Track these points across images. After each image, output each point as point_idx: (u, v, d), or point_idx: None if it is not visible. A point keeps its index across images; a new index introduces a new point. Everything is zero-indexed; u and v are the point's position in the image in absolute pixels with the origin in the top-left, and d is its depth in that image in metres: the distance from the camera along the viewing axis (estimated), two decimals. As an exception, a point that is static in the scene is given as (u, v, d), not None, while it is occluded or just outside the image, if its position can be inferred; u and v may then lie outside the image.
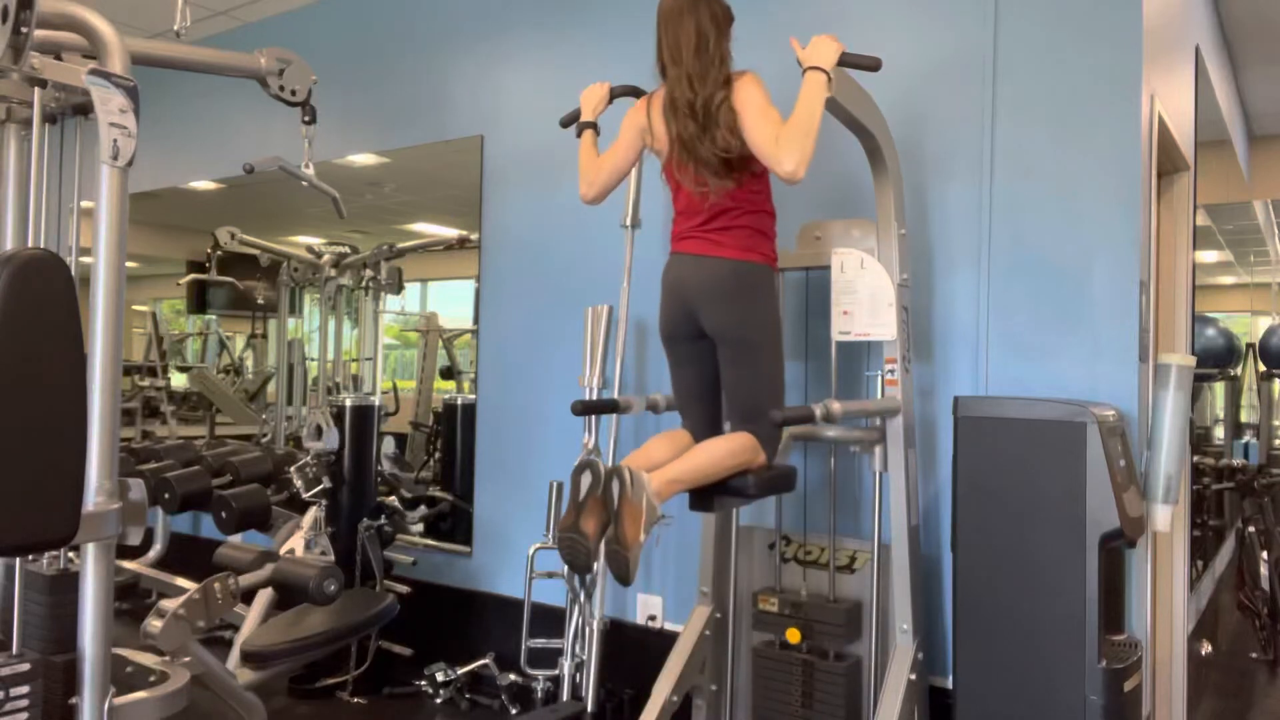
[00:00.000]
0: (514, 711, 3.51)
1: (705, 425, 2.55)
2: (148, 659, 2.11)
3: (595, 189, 2.60)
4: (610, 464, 2.23)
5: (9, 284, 1.53)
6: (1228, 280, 7.64)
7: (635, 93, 2.79)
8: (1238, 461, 4.96)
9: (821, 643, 2.88)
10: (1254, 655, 4.56)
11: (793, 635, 2.88)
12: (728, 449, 2.37)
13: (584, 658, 3.19)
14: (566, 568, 3.19)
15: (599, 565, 3.20)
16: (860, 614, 2.89)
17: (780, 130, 2.21)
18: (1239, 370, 6.10)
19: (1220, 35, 4.84)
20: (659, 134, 2.46)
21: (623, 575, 2.16)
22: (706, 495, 2.41)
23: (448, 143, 4.16)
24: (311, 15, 4.70)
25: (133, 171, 1.93)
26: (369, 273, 4.72)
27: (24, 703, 1.79)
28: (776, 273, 2.49)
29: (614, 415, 3.25)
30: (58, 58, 2.16)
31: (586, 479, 2.19)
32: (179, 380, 5.84)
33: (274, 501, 3.99)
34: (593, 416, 3.28)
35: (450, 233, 4.35)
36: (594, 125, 2.72)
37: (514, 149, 3.96)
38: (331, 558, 3.58)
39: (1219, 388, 5.89)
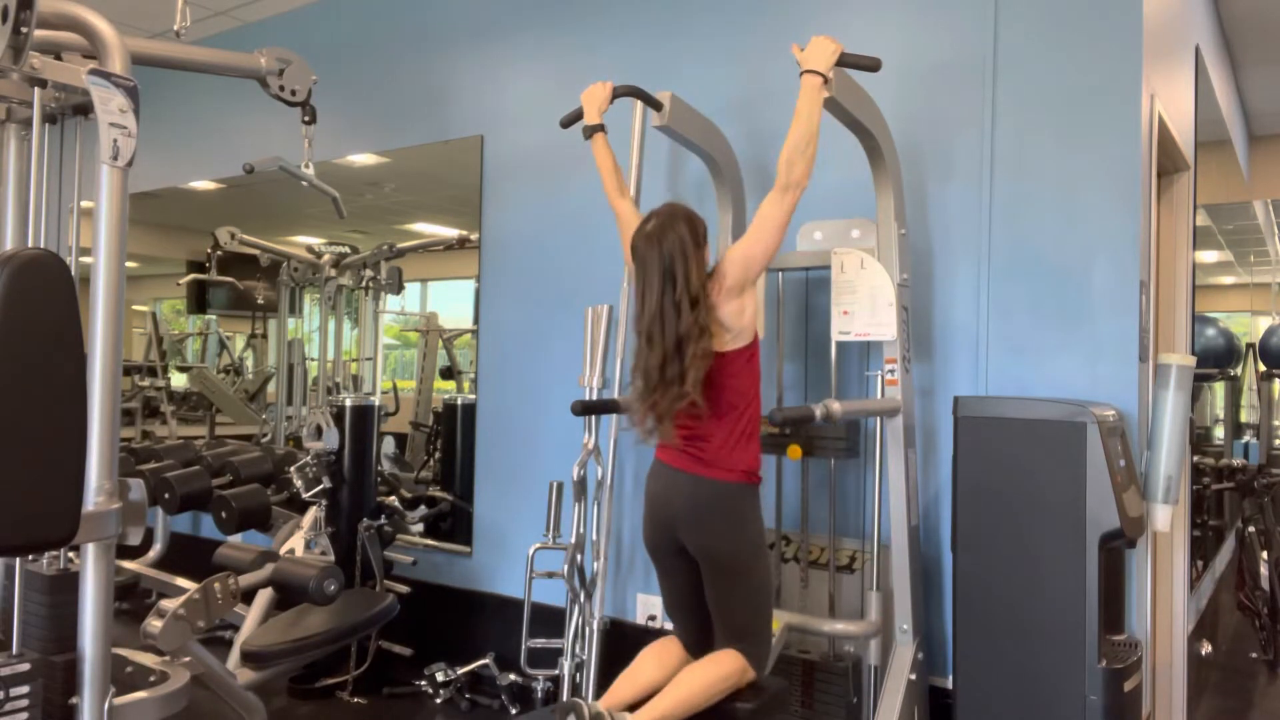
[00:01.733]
0: (514, 711, 3.51)
1: (696, 633, 2.50)
2: (148, 659, 2.11)
3: (615, 201, 2.70)
4: (594, 708, 2.21)
5: (9, 284, 1.53)
6: (1228, 280, 7.64)
7: (636, 93, 2.79)
8: (1238, 461, 4.95)
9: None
10: (1254, 655, 4.56)
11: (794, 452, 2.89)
12: (715, 676, 2.32)
13: (584, 658, 3.19)
14: (566, 566, 3.20)
15: (599, 563, 3.20)
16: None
17: (784, 154, 2.26)
18: (1239, 370, 6.10)
19: (1220, 35, 4.84)
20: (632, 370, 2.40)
21: None
22: None
23: (448, 143, 4.16)
24: (311, 15, 4.70)
25: (133, 171, 1.93)
26: (369, 273, 4.72)
27: (24, 703, 1.79)
28: (759, 487, 2.42)
29: (614, 415, 3.25)
30: (58, 58, 2.16)
31: None
32: (179, 380, 5.84)
33: (274, 501, 3.99)
34: (593, 416, 3.28)
35: (450, 233, 4.35)
36: (602, 127, 2.72)
37: (514, 149, 3.96)
38: (331, 558, 3.58)
39: (1219, 388, 5.90)
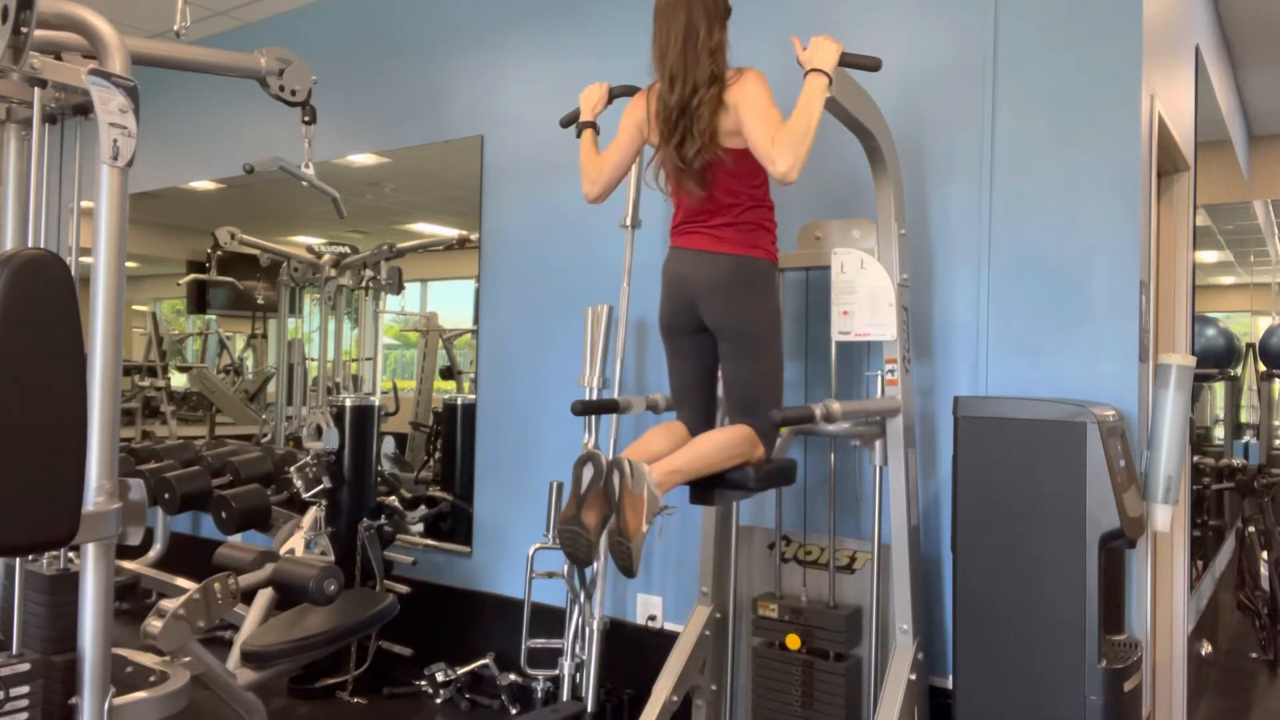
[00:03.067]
0: (514, 711, 3.51)
1: (701, 418, 2.57)
2: (148, 659, 2.11)
3: (598, 187, 2.62)
4: (611, 456, 2.23)
5: (9, 284, 1.53)
6: (1228, 280, 7.64)
7: (633, 93, 2.79)
8: (1238, 461, 4.95)
9: (822, 648, 2.88)
10: (1254, 655, 4.56)
11: (792, 641, 2.88)
12: (728, 440, 2.38)
13: (584, 658, 3.19)
14: (566, 566, 3.20)
15: (599, 563, 3.20)
16: (860, 619, 2.89)
17: (778, 132, 2.23)
18: (1239, 370, 6.10)
19: (1220, 35, 4.84)
20: (653, 129, 2.49)
21: (626, 566, 2.17)
22: (707, 488, 2.42)
23: (448, 143, 4.16)
24: (311, 15, 4.70)
25: (133, 171, 1.94)
26: (369, 273, 4.72)
27: (24, 703, 1.79)
28: (778, 268, 2.50)
29: (614, 415, 3.25)
30: (58, 58, 2.16)
31: (588, 471, 2.20)
32: (179, 380, 5.84)
33: (274, 501, 3.99)
34: (593, 416, 3.28)
35: (450, 233, 4.35)
36: (594, 125, 2.73)
37: (514, 149, 3.96)
38: (331, 558, 3.58)
39: (1219, 388, 5.89)
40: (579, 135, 2.74)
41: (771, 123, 2.26)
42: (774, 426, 2.46)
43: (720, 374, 2.53)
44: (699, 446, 2.36)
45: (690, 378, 2.57)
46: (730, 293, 2.40)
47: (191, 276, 5.54)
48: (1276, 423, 6.47)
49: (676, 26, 2.39)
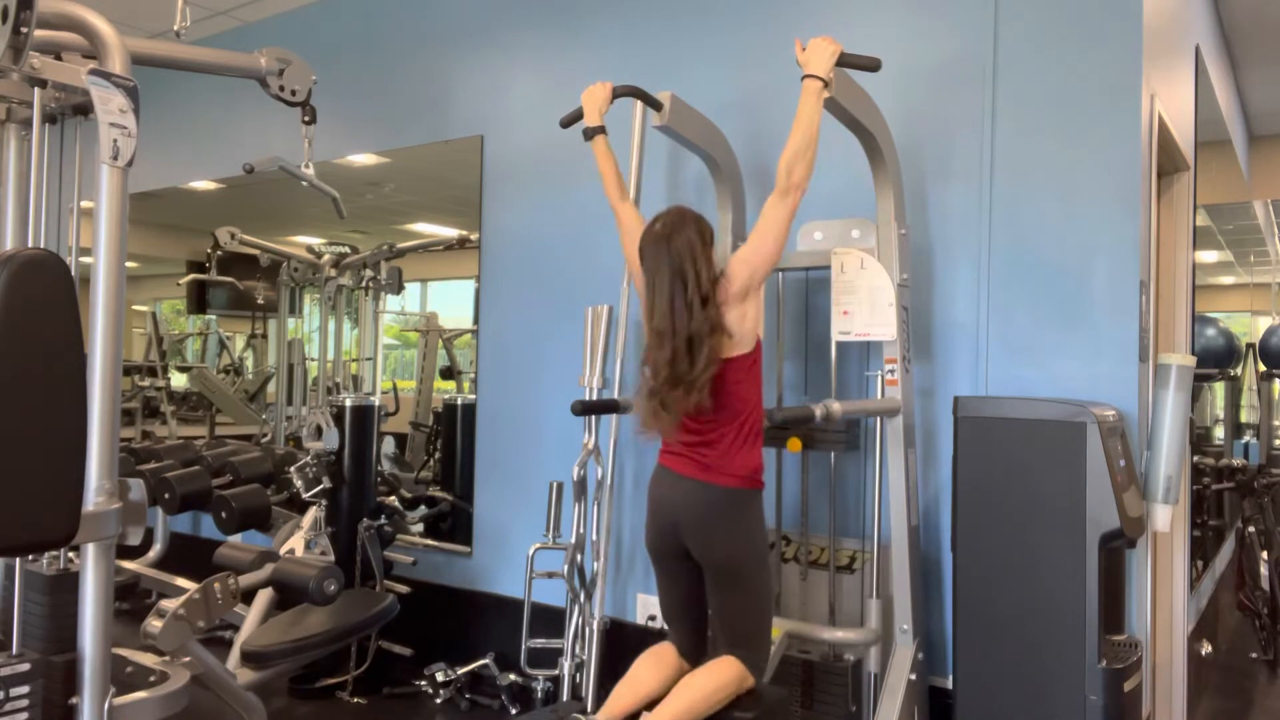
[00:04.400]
0: (514, 711, 3.51)
1: (692, 639, 2.51)
2: (148, 659, 2.11)
3: (616, 202, 2.70)
4: (591, 717, 2.22)
5: (9, 284, 1.53)
6: (1228, 280, 7.64)
7: (636, 93, 2.79)
8: (1238, 461, 4.95)
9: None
10: (1254, 655, 4.56)
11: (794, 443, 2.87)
12: (715, 684, 2.33)
13: (584, 658, 3.19)
14: (566, 566, 3.20)
15: (598, 563, 3.20)
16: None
17: (783, 159, 2.27)
18: (1239, 370, 6.10)
19: (1220, 35, 4.84)
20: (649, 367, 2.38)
21: None
22: None
23: (448, 143, 4.16)
24: (311, 15, 4.70)
25: (133, 171, 1.93)
26: (369, 273, 4.72)
27: (24, 703, 1.79)
28: (762, 493, 2.42)
29: (614, 415, 3.25)
30: (58, 58, 2.16)
31: None
32: (179, 380, 5.84)
33: (274, 501, 3.99)
34: (593, 416, 3.28)
35: (450, 233, 4.35)
36: (602, 128, 2.71)
37: (514, 149, 3.96)
38: (331, 558, 3.58)
39: (1219, 388, 5.90)
40: (587, 139, 2.73)
41: (769, 225, 2.32)
42: (763, 656, 2.43)
43: (708, 602, 2.46)
44: (686, 696, 2.31)
45: (680, 600, 2.50)
46: (715, 527, 2.34)
47: (191, 276, 5.54)
48: (1276, 423, 6.47)
49: (662, 280, 2.31)
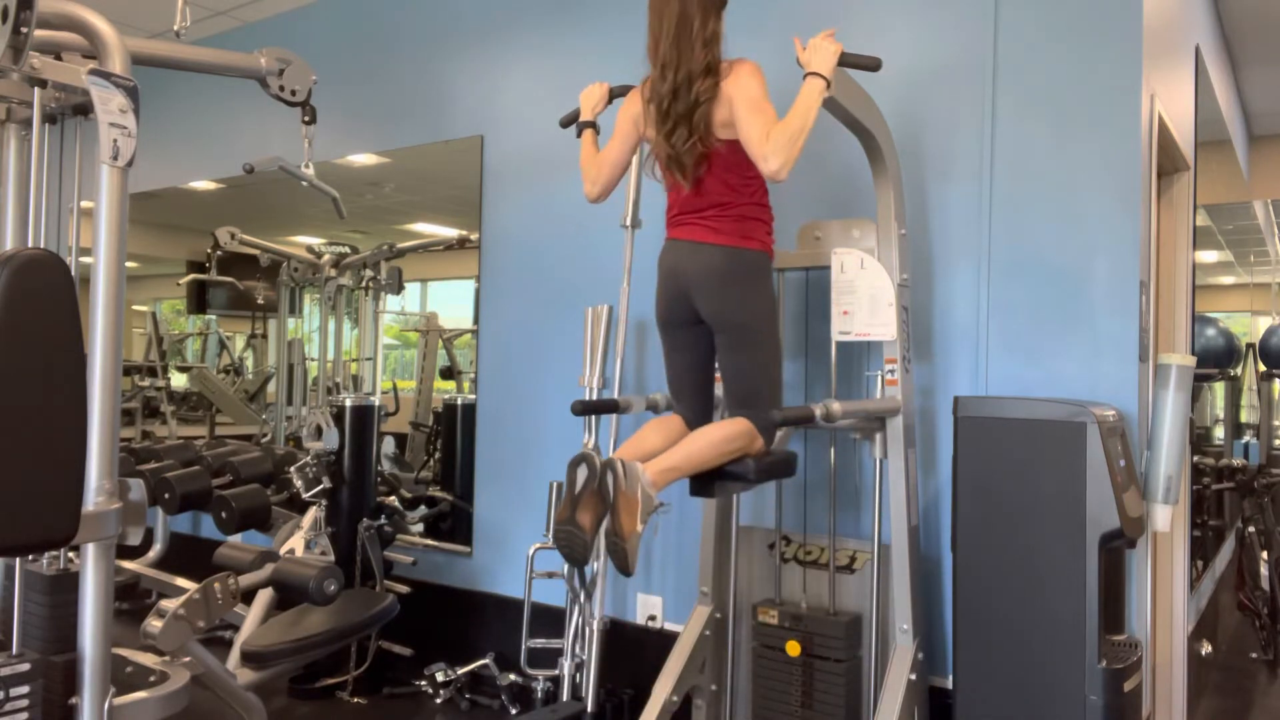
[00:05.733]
0: (514, 711, 3.51)
1: (698, 411, 2.55)
2: (148, 659, 2.11)
3: (598, 186, 2.62)
4: (605, 457, 2.22)
5: (9, 284, 1.53)
6: (1228, 280, 7.63)
7: None
8: (1238, 461, 4.95)
9: (822, 654, 2.87)
10: (1254, 655, 4.56)
11: (792, 648, 2.88)
12: (725, 435, 2.36)
13: (584, 658, 3.19)
14: (566, 566, 3.20)
15: (598, 563, 3.20)
16: (859, 625, 2.87)
17: (772, 129, 2.22)
18: (1239, 370, 6.10)
19: (1220, 35, 4.84)
20: (647, 120, 2.47)
21: (622, 566, 2.16)
22: (706, 481, 2.41)
23: (448, 143, 4.16)
24: (311, 15, 4.70)
25: (133, 171, 1.94)
26: (369, 273, 4.72)
27: (24, 703, 1.79)
28: (773, 261, 2.48)
29: (614, 415, 3.25)
30: (58, 58, 2.16)
31: (582, 472, 2.19)
32: (179, 380, 5.84)
33: (274, 501, 3.99)
34: (593, 416, 3.28)
35: (450, 233, 4.35)
36: (594, 125, 2.73)
37: (514, 149, 3.96)
38: (331, 558, 3.58)
39: (1219, 388, 5.89)
40: (579, 135, 2.74)
41: (765, 118, 2.25)
42: (773, 423, 2.44)
43: (718, 367, 2.52)
44: (695, 443, 2.34)
45: (687, 370, 2.55)
46: (725, 285, 2.38)
47: (191, 276, 5.54)
48: (1276, 423, 6.47)
49: (669, 15, 2.36)
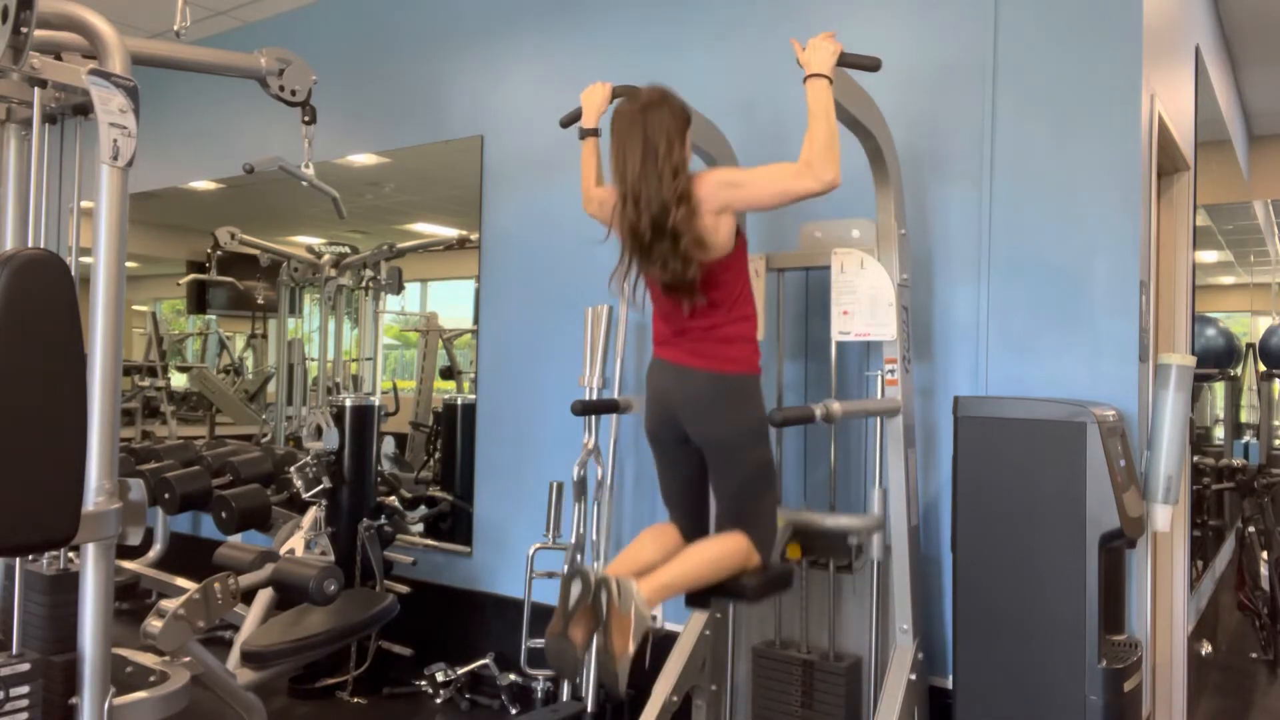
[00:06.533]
0: (514, 711, 3.51)
1: (693, 523, 2.51)
2: (148, 659, 2.11)
3: (592, 208, 2.66)
4: (599, 573, 2.21)
5: (9, 284, 1.53)
6: (1228, 280, 7.64)
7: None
8: (1238, 461, 4.95)
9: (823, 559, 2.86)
10: (1254, 655, 4.56)
11: (793, 551, 2.85)
12: (721, 552, 2.33)
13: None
14: (566, 565, 3.20)
15: (599, 563, 3.20)
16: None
17: (802, 156, 2.22)
18: (1239, 370, 6.10)
19: (1220, 35, 4.84)
20: (624, 245, 2.38)
21: (612, 685, 2.16)
22: (702, 595, 2.39)
23: (448, 143, 4.16)
24: (311, 15, 4.70)
25: (133, 171, 1.93)
26: (369, 273, 4.72)
27: (24, 703, 1.79)
28: (759, 376, 2.42)
29: (614, 415, 3.25)
30: (58, 58, 2.16)
31: (576, 587, 2.16)
32: (179, 380, 5.84)
33: (274, 501, 3.99)
34: (593, 416, 3.28)
35: (450, 233, 4.35)
36: (595, 131, 2.71)
37: (514, 149, 3.96)
38: (331, 558, 3.58)
39: (1219, 388, 5.89)
40: (581, 139, 2.73)
41: (773, 176, 2.26)
42: (770, 534, 2.42)
43: (710, 484, 2.47)
44: (691, 560, 2.31)
45: (680, 485, 2.51)
46: (711, 410, 2.35)
47: (191, 276, 5.54)
48: (1276, 423, 6.47)
49: (634, 145, 2.29)
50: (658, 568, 2.31)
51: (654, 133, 2.28)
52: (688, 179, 2.29)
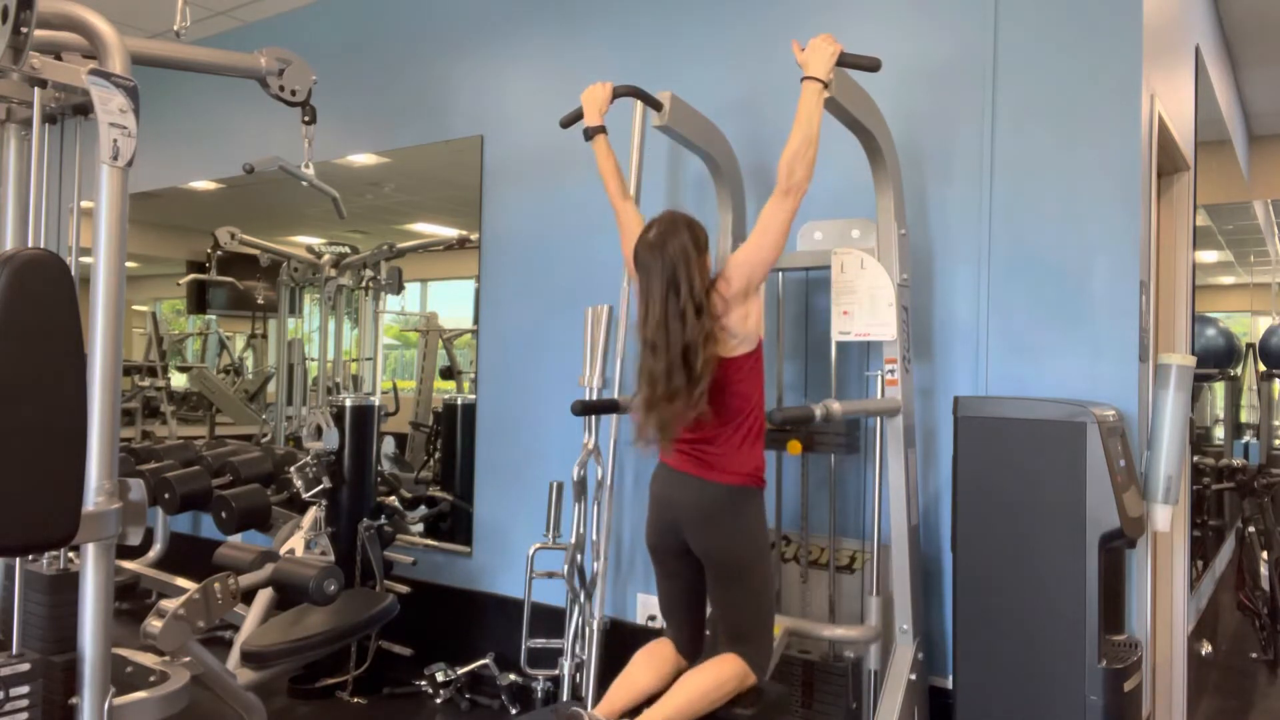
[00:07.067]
0: (514, 711, 3.51)
1: (690, 636, 2.51)
2: (148, 659, 2.11)
3: (618, 205, 2.68)
4: (593, 715, 2.21)
5: (9, 284, 1.53)
6: (1228, 280, 7.64)
7: (636, 93, 2.78)
8: (1238, 461, 4.95)
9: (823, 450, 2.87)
10: (1254, 655, 4.56)
11: (794, 447, 2.86)
12: (715, 681, 2.32)
13: (584, 658, 3.19)
14: (567, 565, 3.20)
15: (599, 563, 3.20)
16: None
17: (784, 159, 2.26)
18: (1239, 370, 6.10)
19: (1220, 35, 4.84)
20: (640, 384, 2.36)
21: None
22: None
23: (448, 143, 4.16)
24: (311, 15, 4.70)
25: (133, 171, 1.93)
26: (369, 273, 4.72)
27: (24, 703, 1.79)
28: (763, 491, 2.43)
29: (614, 415, 3.25)
30: (58, 58, 2.16)
31: None
32: (179, 380, 5.84)
33: (274, 501, 3.99)
34: (593, 416, 3.28)
35: (450, 233, 4.35)
36: (602, 128, 2.71)
37: (514, 149, 3.96)
38: (331, 558, 3.58)
39: (1219, 388, 5.89)
40: (588, 139, 2.73)
41: (767, 226, 2.30)
42: (765, 654, 2.42)
43: (709, 599, 2.47)
44: (687, 693, 2.30)
45: (678, 597, 2.50)
46: (714, 522, 2.34)
47: (191, 276, 5.54)
48: (1276, 423, 6.47)
49: (656, 288, 2.29)
50: (653, 695, 2.31)
51: (675, 265, 2.28)
52: (711, 317, 2.28)
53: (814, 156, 2.30)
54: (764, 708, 2.39)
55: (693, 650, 2.49)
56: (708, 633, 2.55)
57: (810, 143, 2.29)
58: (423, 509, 4.28)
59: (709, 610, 2.51)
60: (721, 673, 2.33)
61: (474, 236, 4.10)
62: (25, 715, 1.78)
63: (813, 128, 2.29)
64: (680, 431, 2.35)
